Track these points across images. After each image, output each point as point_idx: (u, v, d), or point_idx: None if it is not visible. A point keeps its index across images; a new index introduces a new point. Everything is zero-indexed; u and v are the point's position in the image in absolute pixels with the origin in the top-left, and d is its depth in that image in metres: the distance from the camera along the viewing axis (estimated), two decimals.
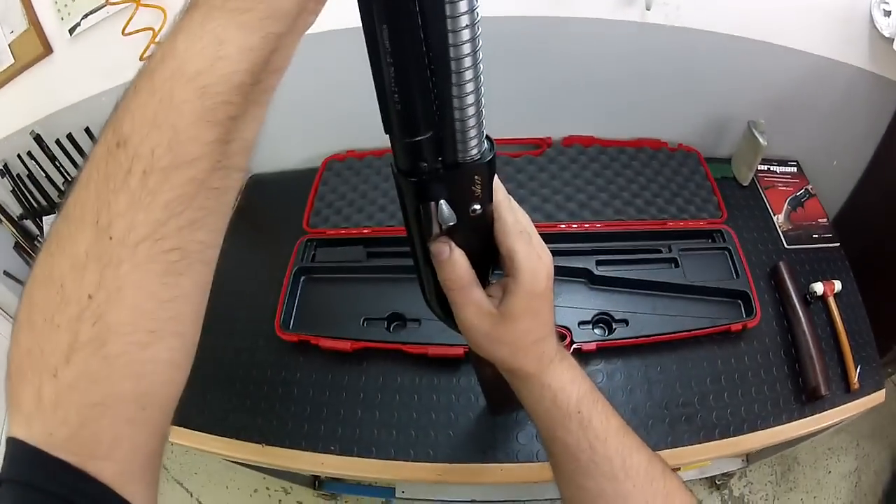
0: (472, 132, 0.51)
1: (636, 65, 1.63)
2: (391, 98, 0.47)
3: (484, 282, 0.67)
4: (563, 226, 1.52)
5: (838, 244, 1.65)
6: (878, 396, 1.39)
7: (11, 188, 1.91)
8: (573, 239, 1.50)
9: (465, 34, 0.44)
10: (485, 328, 0.67)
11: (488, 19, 1.33)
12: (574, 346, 1.30)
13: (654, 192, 1.60)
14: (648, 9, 1.45)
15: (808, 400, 1.33)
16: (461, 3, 0.42)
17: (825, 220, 1.70)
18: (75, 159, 1.80)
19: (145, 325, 0.43)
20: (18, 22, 1.59)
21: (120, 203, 0.40)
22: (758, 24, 1.59)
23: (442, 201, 0.56)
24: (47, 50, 1.60)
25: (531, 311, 0.66)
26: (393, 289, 1.42)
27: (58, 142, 1.76)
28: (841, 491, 2.36)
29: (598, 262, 1.43)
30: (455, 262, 0.63)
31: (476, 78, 0.47)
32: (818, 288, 1.47)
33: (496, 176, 0.60)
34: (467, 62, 0.46)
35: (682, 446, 1.26)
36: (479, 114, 0.50)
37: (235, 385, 1.36)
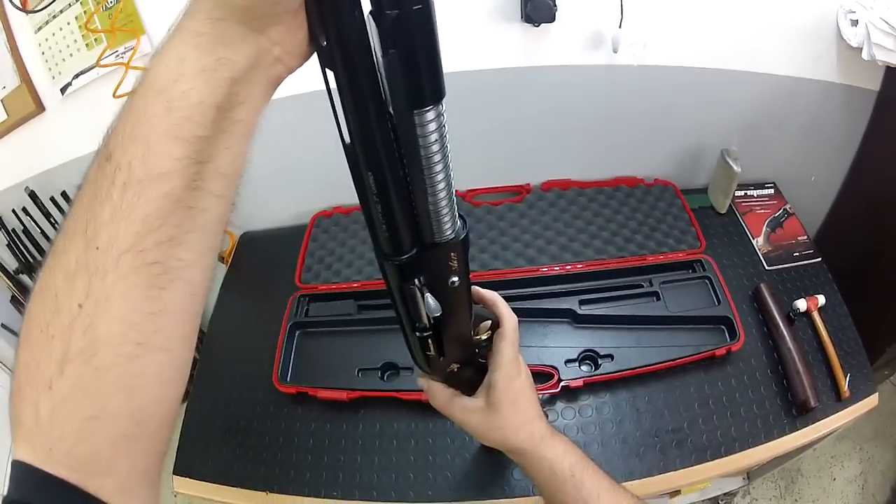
0: (447, 219, 0.61)
1: (608, 106, 1.79)
2: (380, 227, 0.59)
3: (471, 366, 0.89)
4: (546, 269, 1.69)
5: (820, 259, 1.81)
6: (871, 401, 1.53)
7: (7, 242, 2.04)
8: (556, 281, 1.66)
9: (436, 144, 0.53)
10: (475, 421, 0.89)
11: (464, 73, 1.45)
12: (562, 383, 1.45)
13: (632, 228, 1.79)
14: (616, 51, 1.59)
15: (798, 413, 1.46)
16: (433, 139, 0.52)
17: (805, 237, 1.86)
18: None
19: (132, 336, 0.46)
20: (10, 78, 1.71)
21: (104, 213, 0.45)
22: (725, 54, 1.72)
23: (428, 294, 0.67)
24: (39, 108, 1.72)
25: (511, 399, 0.86)
26: (385, 339, 1.56)
27: (52, 199, 1.90)
28: (848, 496, 2.49)
29: (582, 302, 1.60)
30: (433, 392, 0.91)
31: (447, 178, 0.57)
32: (801, 305, 1.62)
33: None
34: (439, 177, 0.56)
35: (675, 470, 1.38)
36: (451, 204, 0.60)
37: (238, 436, 1.50)
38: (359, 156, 0.52)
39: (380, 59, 0.46)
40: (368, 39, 0.45)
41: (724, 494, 2.34)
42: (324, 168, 1.71)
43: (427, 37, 0.46)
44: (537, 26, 1.51)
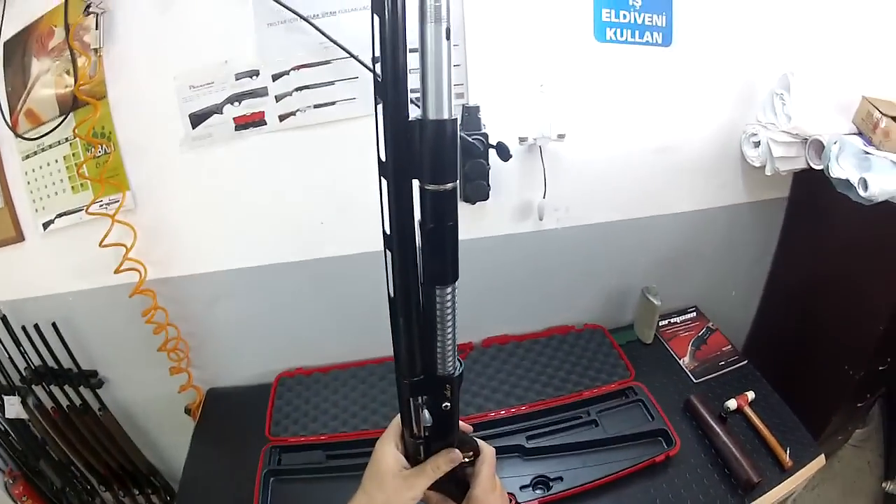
0: (449, 358, 0.85)
1: (538, 265, 2.03)
2: (402, 355, 0.83)
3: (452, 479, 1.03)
4: (493, 414, 1.88)
5: (746, 361, 2.04)
6: (818, 462, 1.74)
7: None
8: (504, 423, 1.84)
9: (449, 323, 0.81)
10: None
11: None
12: None
13: (567, 370, 2.01)
14: (541, 218, 1.87)
15: (745, 491, 1.63)
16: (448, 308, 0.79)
17: (729, 346, 2.09)
18: (40, 350, 1.94)
19: None
20: None
21: None
22: (638, 205, 2.00)
23: (425, 410, 0.89)
24: (19, 236, 1.79)
25: None
26: (353, 484, 1.60)
27: (24, 328, 1.91)
28: None
29: (528, 437, 1.78)
30: (429, 499, 1.09)
31: (453, 330, 0.83)
32: (732, 404, 1.84)
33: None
34: (448, 329, 0.82)
35: None
36: (453, 348, 0.85)
37: None
38: (397, 306, 0.77)
39: (419, 249, 0.73)
40: (415, 237, 0.72)
41: None
42: (286, 333, 1.88)
43: (452, 240, 0.73)
44: (474, 204, 1.76)
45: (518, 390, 1.94)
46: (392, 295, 0.76)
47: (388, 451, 0.94)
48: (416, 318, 0.79)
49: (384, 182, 0.68)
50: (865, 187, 1.67)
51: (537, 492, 1.64)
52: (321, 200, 1.73)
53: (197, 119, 1.60)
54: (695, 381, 1.97)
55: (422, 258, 0.74)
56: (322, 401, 1.93)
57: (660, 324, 2.15)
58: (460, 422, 1.01)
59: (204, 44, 1.54)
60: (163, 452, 2.31)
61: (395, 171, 0.67)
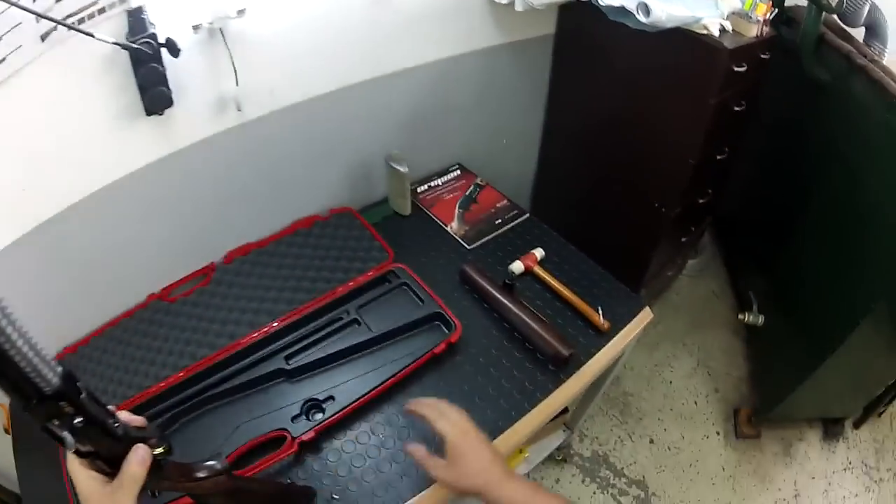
0: (43, 377, 0.71)
1: (258, 162, 1.75)
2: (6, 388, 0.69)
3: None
4: (245, 340, 1.60)
5: (528, 215, 1.85)
6: (644, 316, 1.62)
7: None
8: (258, 347, 1.58)
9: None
10: (439, 474, 1.14)
11: (107, 188, 1.38)
12: (297, 440, 1.37)
13: (317, 267, 1.77)
14: (240, 109, 1.59)
15: (557, 366, 1.48)
16: None
17: (505, 201, 1.90)
18: None
19: None
20: None
21: None
22: (364, 67, 1.75)
23: (66, 433, 0.76)
24: None
25: (460, 455, 1.12)
26: None
27: None
28: (696, 386, 2.59)
29: (287, 357, 1.56)
30: None
31: (33, 347, 0.68)
32: (517, 267, 1.66)
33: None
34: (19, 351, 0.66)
35: None
36: (41, 365, 0.70)
37: None
38: None
39: None
40: None
41: (557, 450, 2.28)
42: (50, 309, 1.65)
43: None
44: (161, 114, 1.50)
45: (267, 304, 1.69)
46: None
47: (80, 476, 0.85)
48: None
49: None
50: (647, 13, 1.60)
51: (316, 417, 1.44)
52: (22, 162, 1.37)
53: None
54: (468, 247, 1.77)
55: None
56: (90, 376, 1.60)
57: (418, 190, 1.94)
58: (132, 416, 0.92)
59: None
60: (13, 480, 2.16)
61: None
